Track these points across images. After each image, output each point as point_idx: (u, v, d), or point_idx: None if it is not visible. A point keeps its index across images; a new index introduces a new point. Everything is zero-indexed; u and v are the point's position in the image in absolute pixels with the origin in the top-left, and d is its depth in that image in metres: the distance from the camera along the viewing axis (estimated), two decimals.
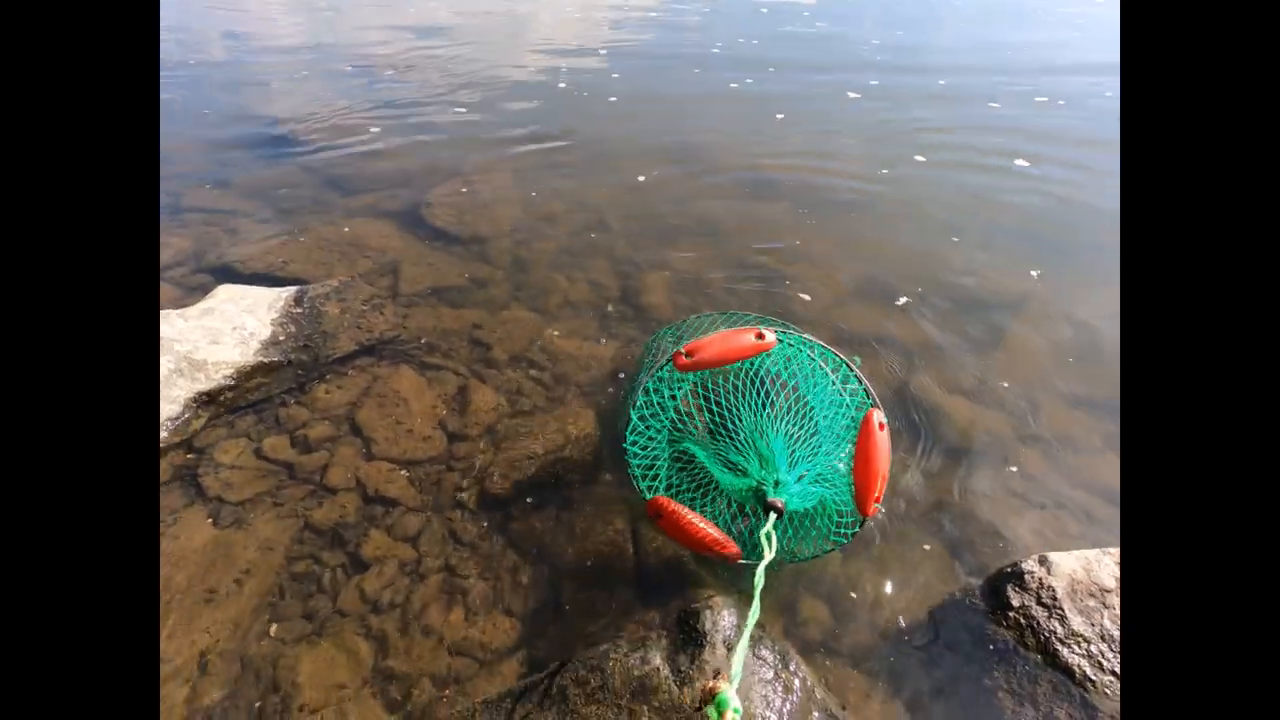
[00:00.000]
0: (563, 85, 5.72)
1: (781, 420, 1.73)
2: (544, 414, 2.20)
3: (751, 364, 1.80)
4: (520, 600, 1.67)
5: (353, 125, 4.65)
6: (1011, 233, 3.42)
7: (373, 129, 4.58)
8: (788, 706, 1.28)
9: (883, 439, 1.63)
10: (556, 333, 2.59)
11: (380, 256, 3.02)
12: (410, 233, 3.25)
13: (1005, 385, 2.38)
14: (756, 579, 1.33)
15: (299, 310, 2.48)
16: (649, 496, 1.70)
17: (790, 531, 1.73)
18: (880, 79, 6.08)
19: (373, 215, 3.40)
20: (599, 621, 1.62)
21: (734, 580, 1.71)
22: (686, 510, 1.62)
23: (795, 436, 1.73)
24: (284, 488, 1.93)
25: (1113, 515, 1.93)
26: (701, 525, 1.60)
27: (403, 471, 2.00)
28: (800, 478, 1.67)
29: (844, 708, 1.42)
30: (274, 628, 1.60)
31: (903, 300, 2.84)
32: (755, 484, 1.63)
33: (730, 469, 1.71)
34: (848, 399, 1.75)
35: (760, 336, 1.70)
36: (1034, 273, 3.06)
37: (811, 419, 1.77)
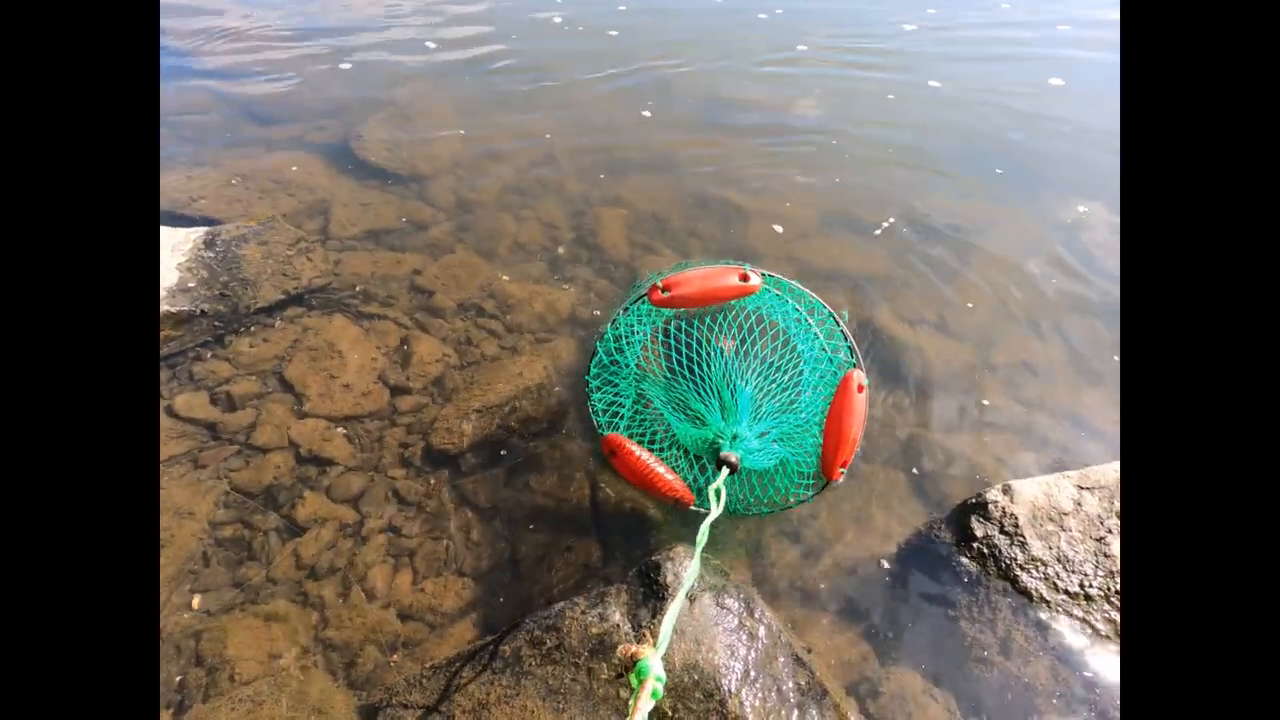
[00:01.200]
0: (507, 6, 5.28)
1: (753, 371, 1.62)
2: (495, 364, 2.05)
3: (730, 307, 1.68)
4: (472, 560, 1.57)
5: (273, 48, 4.17)
6: (975, 159, 3.34)
7: (296, 52, 4.12)
8: (752, 655, 1.23)
9: (859, 402, 1.53)
10: (506, 277, 2.41)
11: (307, 195, 2.74)
12: (340, 169, 2.95)
13: (967, 316, 2.34)
14: (700, 536, 1.24)
15: (210, 254, 2.23)
16: (605, 433, 1.60)
17: (747, 487, 1.62)
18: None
19: (297, 149, 3.07)
20: (556, 578, 1.54)
21: (697, 528, 1.65)
22: (641, 450, 1.53)
23: (765, 390, 1.63)
24: (205, 449, 1.75)
25: (1071, 437, 1.93)
26: (656, 467, 1.52)
27: (340, 429, 1.84)
28: (763, 435, 1.58)
29: (809, 650, 1.40)
30: (196, 599, 1.47)
31: (868, 231, 2.75)
32: (712, 437, 1.53)
33: (689, 418, 1.61)
34: (829, 355, 1.65)
35: (745, 279, 1.59)
36: (996, 206, 3.00)
37: (786, 372, 1.67)
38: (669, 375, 1.70)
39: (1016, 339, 2.27)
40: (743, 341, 1.65)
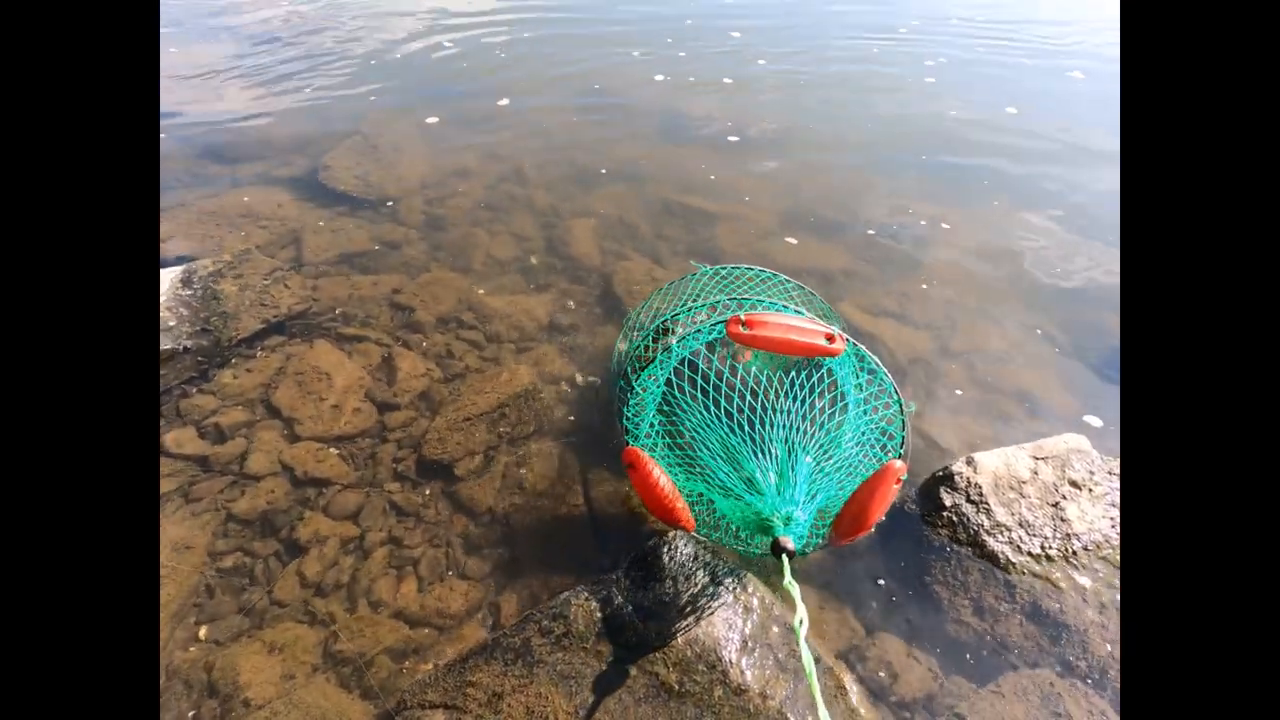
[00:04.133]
0: (457, 37, 5.35)
1: (814, 440, 1.51)
2: (478, 374, 2.11)
3: (804, 363, 1.59)
4: (475, 563, 1.63)
5: (230, 90, 4.17)
6: (926, 158, 3.53)
7: (255, 93, 4.13)
8: (748, 626, 1.32)
9: (892, 494, 1.45)
10: (482, 290, 2.48)
11: (277, 227, 2.77)
12: (309, 199, 2.98)
13: (925, 305, 2.49)
14: (800, 645, 1.12)
15: (189, 292, 2.24)
16: (631, 444, 1.52)
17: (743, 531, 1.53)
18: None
19: (263, 184, 3.09)
20: (558, 573, 1.61)
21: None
22: (660, 471, 1.44)
23: (819, 462, 1.53)
24: (197, 482, 1.77)
25: (1024, 412, 2.08)
26: (670, 493, 1.44)
27: (333, 449, 1.88)
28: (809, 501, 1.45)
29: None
30: (203, 630, 1.49)
31: (828, 229, 2.89)
32: (767, 514, 1.39)
33: (734, 470, 1.48)
34: (882, 440, 1.56)
35: (831, 340, 1.50)
36: (948, 198, 3.18)
37: (838, 447, 1.56)
38: (717, 419, 1.55)
39: (971, 326, 2.43)
40: (811, 406, 1.55)
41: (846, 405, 1.60)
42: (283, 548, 1.65)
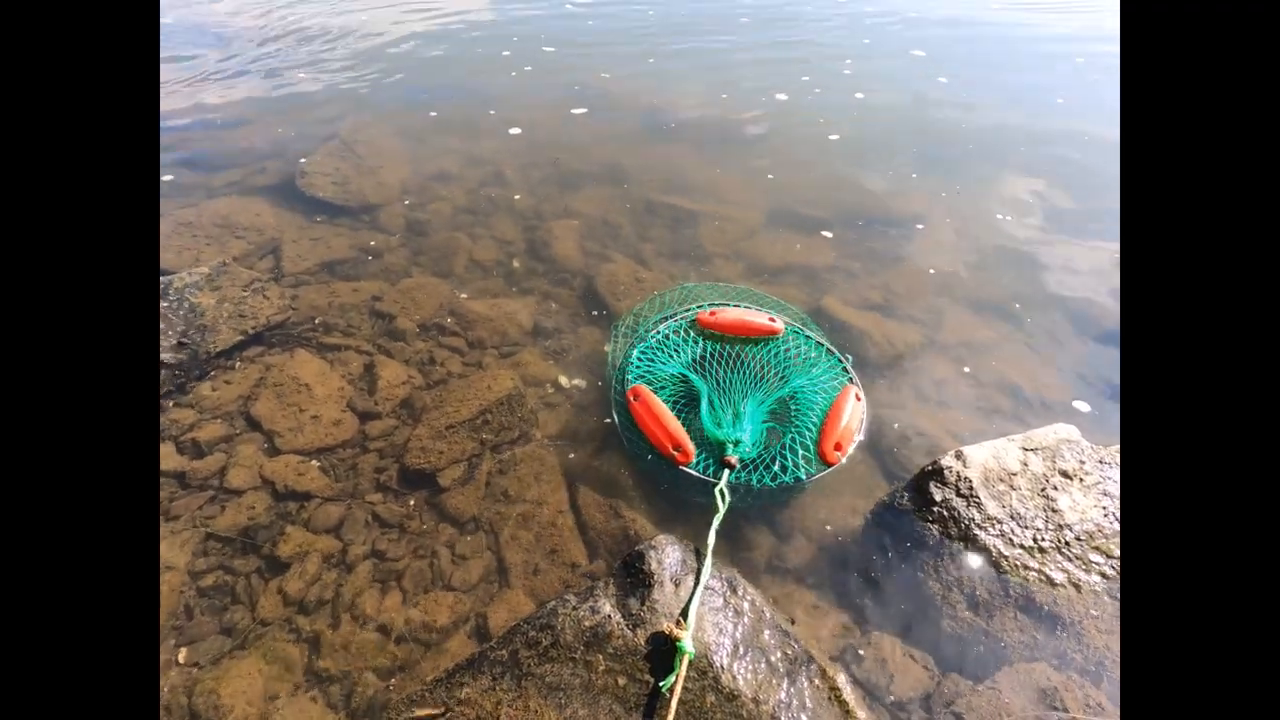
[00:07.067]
0: (440, 39, 5.31)
1: (765, 391, 1.96)
2: (462, 380, 2.08)
3: (757, 343, 2.10)
4: (460, 573, 1.60)
5: (204, 97, 4.10)
6: (906, 154, 3.53)
7: (229, 99, 4.06)
8: (739, 631, 1.29)
9: (855, 403, 1.91)
10: (465, 295, 2.44)
11: (255, 236, 2.72)
12: (287, 207, 2.93)
13: (911, 298, 2.48)
14: (710, 537, 1.45)
15: (165, 304, 2.19)
16: (634, 383, 1.92)
17: (762, 466, 1.79)
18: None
19: (239, 193, 3.04)
20: (544, 580, 1.58)
21: (676, 520, 1.71)
22: (660, 401, 1.85)
23: (772, 407, 1.94)
24: (175, 499, 1.73)
25: (1013, 404, 2.07)
26: (671, 419, 1.81)
27: (314, 461, 1.84)
28: (764, 421, 1.89)
29: (793, 622, 1.47)
30: (183, 653, 1.45)
31: (812, 226, 2.88)
32: (721, 439, 1.78)
33: (710, 409, 1.89)
34: (832, 379, 2.01)
35: (773, 321, 2.12)
36: (929, 191, 3.18)
37: (791, 392, 1.98)
38: (698, 374, 2.03)
39: (957, 318, 2.42)
40: (761, 369, 2.04)
41: (800, 368, 2.06)
42: (264, 564, 1.61)
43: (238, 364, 2.11)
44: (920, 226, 2.91)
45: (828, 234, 2.85)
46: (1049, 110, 4.13)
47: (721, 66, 4.66)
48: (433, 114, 3.84)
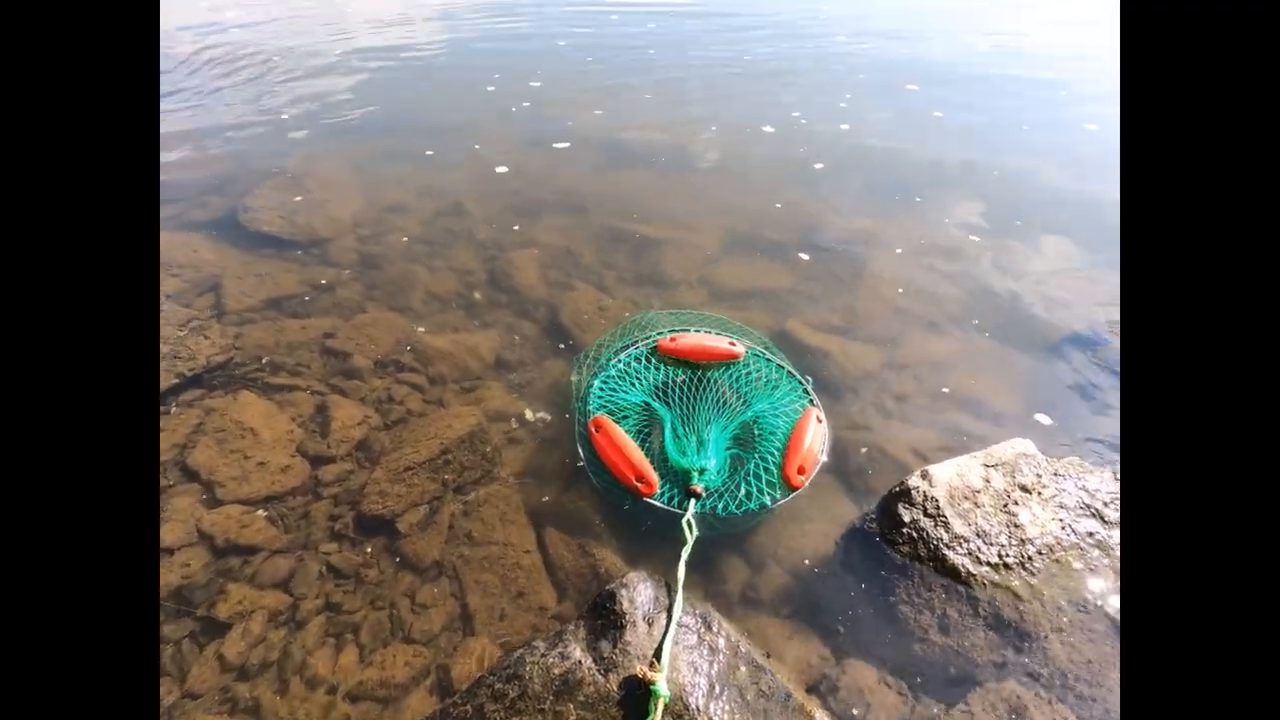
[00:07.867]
0: (389, 65, 5.27)
1: (728, 417, 1.95)
2: (421, 419, 2.00)
3: (718, 368, 2.09)
4: (421, 623, 1.51)
5: None
6: (861, 180, 3.65)
7: (165, 131, 3.92)
8: (714, 668, 1.25)
9: (816, 426, 1.90)
10: (423, 329, 2.37)
11: (192, 274, 2.59)
12: (228, 244, 2.82)
13: (871, 319, 2.53)
14: (679, 570, 1.43)
15: None
16: (595, 414, 1.89)
17: (716, 499, 1.75)
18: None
19: (176, 228, 2.91)
20: (511, 626, 1.51)
21: (647, 554, 1.67)
22: (623, 432, 1.81)
23: (735, 433, 1.93)
24: None
25: (972, 421, 2.12)
26: (634, 450, 1.78)
27: (260, 511, 1.73)
28: (727, 448, 1.87)
29: (768, 655, 1.43)
30: None
31: (772, 252, 2.93)
32: (686, 467, 1.76)
33: (675, 437, 1.88)
34: (794, 402, 2.00)
35: (733, 344, 2.11)
36: (881, 216, 3.28)
37: (753, 417, 1.97)
38: (661, 401, 2.01)
39: (917, 337, 2.48)
40: (722, 395, 2.03)
41: (762, 391, 2.05)
42: (199, 628, 1.48)
43: (173, 409, 1.98)
44: (877, 247, 2.99)
45: (787, 257, 2.90)
46: (1012, 145, 4.31)
47: (679, 97, 4.75)
48: (386, 145, 3.79)
